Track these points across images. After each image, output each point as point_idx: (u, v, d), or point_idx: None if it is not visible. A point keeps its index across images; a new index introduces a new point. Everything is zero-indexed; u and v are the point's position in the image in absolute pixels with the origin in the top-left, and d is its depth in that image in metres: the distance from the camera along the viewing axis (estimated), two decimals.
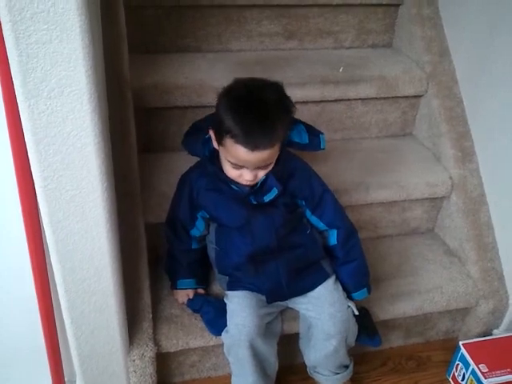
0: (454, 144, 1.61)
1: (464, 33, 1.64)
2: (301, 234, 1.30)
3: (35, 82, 0.85)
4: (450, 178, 1.59)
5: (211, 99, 1.49)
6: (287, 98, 1.14)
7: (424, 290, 1.50)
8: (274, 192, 1.21)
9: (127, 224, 1.29)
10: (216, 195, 1.24)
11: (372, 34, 1.84)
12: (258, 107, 1.08)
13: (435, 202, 1.66)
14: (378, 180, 1.57)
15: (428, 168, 1.64)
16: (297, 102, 1.58)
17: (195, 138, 1.24)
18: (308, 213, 1.30)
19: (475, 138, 1.62)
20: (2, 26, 0.81)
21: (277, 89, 1.12)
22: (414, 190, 1.58)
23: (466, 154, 1.61)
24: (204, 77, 1.56)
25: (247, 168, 1.13)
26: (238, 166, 1.13)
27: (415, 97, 1.71)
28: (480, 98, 1.59)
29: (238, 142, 1.08)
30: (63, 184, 0.96)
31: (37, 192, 0.98)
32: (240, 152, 1.09)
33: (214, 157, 1.19)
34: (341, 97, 1.64)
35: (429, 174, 1.62)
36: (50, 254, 1.06)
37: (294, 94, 1.55)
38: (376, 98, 1.68)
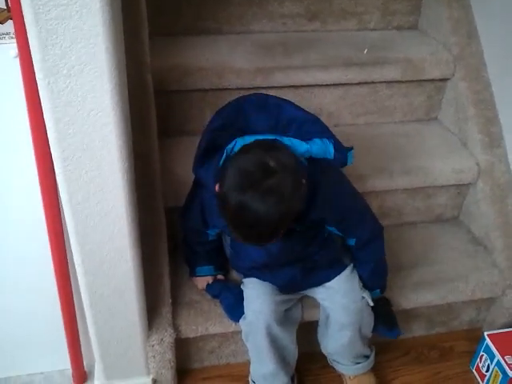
0: (481, 129, 1.56)
1: (493, 13, 1.59)
2: (319, 242, 1.24)
3: (54, 59, 0.83)
4: (477, 164, 1.55)
5: (231, 81, 1.49)
6: (298, 185, 1.01)
7: (448, 278, 1.46)
8: (292, 227, 1.12)
9: (147, 208, 1.27)
10: None
11: (397, 15, 1.78)
12: (262, 206, 0.97)
13: (461, 189, 1.62)
14: (401, 165, 1.53)
15: (454, 153, 1.60)
16: (319, 85, 1.58)
17: (205, 169, 1.12)
18: (326, 225, 1.22)
19: (504, 123, 1.57)
20: (21, 1, 0.79)
21: (285, 181, 0.98)
22: (439, 176, 1.54)
23: (494, 140, 1.56)
24: (225, 59, 1.53)
25: None
26: None
27: (441, 80, 1.66)
28: (509, 81, 1.54)
29: (238, 239, 1.07)
30: (83, 165, 0.94)
31: (56, 173, 0.96)
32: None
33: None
34: (365, 80, 1.59)
35: (455, 159, 1.57)
36: (70, 235, 1.04)
37: (316, 76, 1.55)
38: (401, 81, 1.63)
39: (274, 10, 1.69)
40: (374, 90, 1.65)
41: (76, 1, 0.79)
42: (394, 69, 1.59)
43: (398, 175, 1.51)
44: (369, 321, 1.30)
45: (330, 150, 1.12)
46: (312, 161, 1.12)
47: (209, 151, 1.12)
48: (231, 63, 1.51)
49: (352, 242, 1.26)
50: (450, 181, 1.56)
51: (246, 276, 1.31)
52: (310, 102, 1.57)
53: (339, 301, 1.27)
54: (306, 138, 1.12)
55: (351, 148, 1.16)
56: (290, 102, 1.17)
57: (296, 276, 1.26)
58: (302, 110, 1.15)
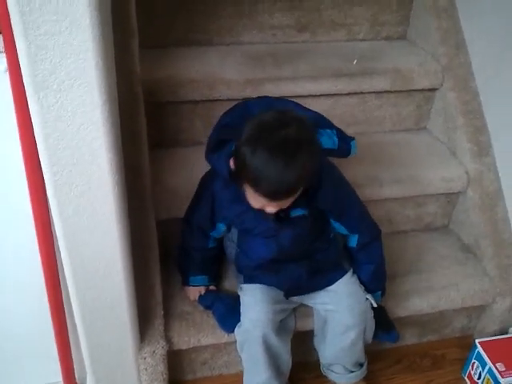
0: (470, 138, 1.58)
1: (481, 24, 1.60)
2: (324, 240, 1.28)
3: (44, 74, 0.83)
4: (466, 172, 1.56)
5: (222, 93, 1.49)
6: (313, 141, 1.05)
7: (439, 286, 1.47)
8: (301, 212, 1.18)
9: (138, 220, 1.27)
10: (242, 207, 1.17)
11: (386, 25, 1.80)
12: (280, 159, 0.99)
13: (451, 198, 1.63)
14: (391, 175, 1.54)
15: (443, 162, 1.61)
16: (309, 96, 1.59)
17: (218, 155, 1.13)
18: (332, 220, 1.26)
19: (492, 132, 1.59)
20: (11, 16, 0.80)
21: (301, 132, 1.02)
22: (429, 185, 1.55)
23: (483, 149, 1.57)
24: (215, 70, 1.54)
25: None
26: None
27: (430, 90, 1.68)
28: (497, 91, 1.55)
29: (257, 191, 1.04)
30: (73, 179, 0.94)
31: (46, 187, 0.96)
32: (259, 199, 1.06)
33: (238, 175, 1.10)
34: (354, 90, 1.60)
35: (444, 168, 1.58)
36: (60, 249, 1.04)
37: (306, 87, 1.56)
38: (390, 92, 1.65)
39: (264, 21, 1.71)
40: (364, 101, 1.66)
41: (66, 17, 0.80)
42: (384, 79, 1.61)
43: (388, 184, 1.52)
44: (371, 325, 1.31)
45: (334, 140, 1.15)
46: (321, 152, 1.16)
47: (219, 144, 1.14)
48: (222, 74, 1.51)
49: (354, 242, 1.28)
50: (439, 189, 1.57)
51: (248, 280, 1.31)
52: None
53: (344, 303, 1.27)
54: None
55: (353, 138, 1.19)
56: (295, 102, 1.21)
57: (302, 276, 1.27)
58: (308, 109, 1.19)
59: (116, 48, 1.18)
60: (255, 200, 1.08)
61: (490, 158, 1.57)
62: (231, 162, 1.08)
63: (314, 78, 1.57)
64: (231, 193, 1.18)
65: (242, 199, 1.13)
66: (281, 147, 1.00)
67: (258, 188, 1.03)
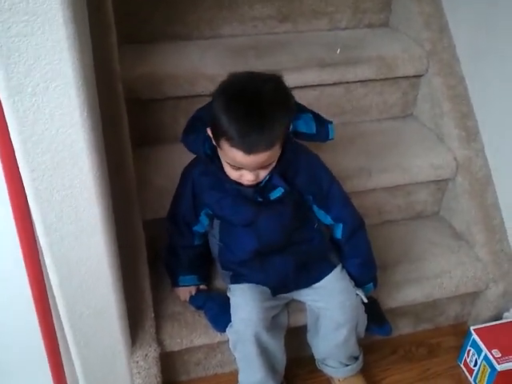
0: (457, 123, 1.56)
1: (463, 7, 1.59)
2: (308, 229, 1.26)
3: (18, 77, 0.80)
4: (455, 158, 1.55)
5: (205, 88, 1.46)
6: (287, 93, 1.06)
7: (432, 275, 1.46)
8: (280, 191, 1.16)
9: (124, 221, 1.24)
10: (220, 194, 1.18)
11: (368, 13, 1.78)
12: (255, 107, 1.00)
13: (440, 185, 1.62)
14: (380, 164, 1.53)
15: (431, 149, 1.60)
16: (294, 88, 1.55)
17: (195, 135, 1.15)
18: (315, 207, 1.25)
19: (479, 117, 1.58)
20: None
21: (276, 84, 1.04)
22: (418, 172, 1.54)
23: (470, 134, 1.56)
24: (197, 65, 1.52)
25: (247, 169, 1.07)
26: (236, 168, 1.07)
27: (416, 76, 1.66)
28: (482, 74, 1.54)
29: (233, 145, 1.02)
30: (54, 184, 0.91)
31: (27, 194, 0.93)
32: (236, 155, 1.03)
33: (215, 155, 1.12)
34: (339, 80, 1.58)
35: (432, 155, 1.57)
36: (45, 257, 1.01)
37: (290, 78, 1.51)
38: (375, 80, 1.63)
39: (245, 12, 1.68)
40: (349, 90, 1.64)
41: (37, 16, 0.76)
42: (368, 67, 1.59)
43: (376, 174, 1.51)
44: (363, 319, 1.30)
45: (311, 125, 1.15)
46: (298, 136, 1.16)
47: (196, 127, 1.14)
48: (203, 69, 1.49)
49: (339, 232, 1.26)
50: (428, 177, 1.56)
51: (234, 280, 1.29)
52: None
53: (335, 299, 1.26)
54: None
55: (331, 121, 1.19)
56: None
57: (288, 272, 1.25)
58: None
59: (94, 45, 1.15)
60: (232, 159, 1.05)
61: (478, 143, 1.56)
62: (209, 131, 1.08)
63: (297, 69, 1.54)
64: (210, 179, 1.18)
65: (220, 185, 1.14)
66: (256, 98, 1.00)
67: (234, 138, 1.01)
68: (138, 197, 1.31)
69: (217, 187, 1.17)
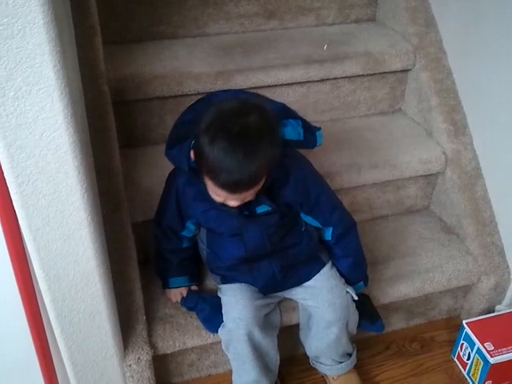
0: (445, 117, 1.56)
1: (450, 0, 1.58)
2: (296, 234, 1.24)
3: (0, 81, 0.78)
4: (444, 153, 1.55)
5: (192, 87, 1.45)
6: (272, 126, 1.02)
7: (423, 269, 1.46)
8: (265, 208, 1.14)
9: (113, 224, 1.23)
10: (205, 205, 1.15)
11: (355, 8, 1.77)
12: (239, 148, 0.96)
13: (430, 179, 1.62)
14: (369, 160, 1.52)
15: (420, 144, 1.59)
16: (281, 85, 1.56)
17: (177, 148, 1.10)
18: (302, 214, 1.23)
19: (466, 111, 1.57)
20: None
21: (260, 118, 0.99)
22: (407, 167, 1.54)
23: (459, 128, 1.56)
24: (183, 64, 1.50)
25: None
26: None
27: (403, 71, 1.66)
28: (469, 68, 1.54)
29: (217, 185, 1.01)
30: (40, 189, 0.90)
31: (12, 199, 0.91)
32: (220, 193, 1.03)
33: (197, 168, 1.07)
34: (326, 76, 1.57)
35: (421, 150, 1.57)
36: (33, 262, 1.00)
37: (277, 76, 1.53)
38: (363, 75, 1.62)
39: (231, 10, 1.66)
40: (337, 86, 1.63)
41: (17, 19, 0.75)
42: (355, 63, 1.58)
43: (366, 170, 1.50)
44: (354, 316, 1.29)
45: (299, 131, 1.12)
46: (285, 144, 1.11)
47: (179, 139, 1.10)
48: (189, 68, 1.47)
49: (328, 235, 1.25)
50: (418, 172, 1.56)
51: (224, 280, 1.28)
52: None
53: (324, 298, 1.25)
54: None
55: (319, 128, 1.15)
56: (258, 94, 1.19)
57: (275, 275, 1.24)
58: (270, 100, 1.15)
59: (78, 47, 1.14)
60: (216, 193, 1.05)
61: (466, 136, 1.56)
62: (192, 154, 1.05)
63: (284, 66, 1.53)
64: (194, 190, 1.15)
65: (205, 196, 1.10)
66: (240, 136, 0.97)
67: (217, 180, 1.00)
68: (126, 199, 1.30)
69: (202, 198, 1.13)
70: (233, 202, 1.06)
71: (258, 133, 0.98)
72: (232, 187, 1.01)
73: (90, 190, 0.97)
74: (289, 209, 1.19)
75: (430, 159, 1.55)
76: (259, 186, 1.05)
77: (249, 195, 1.06)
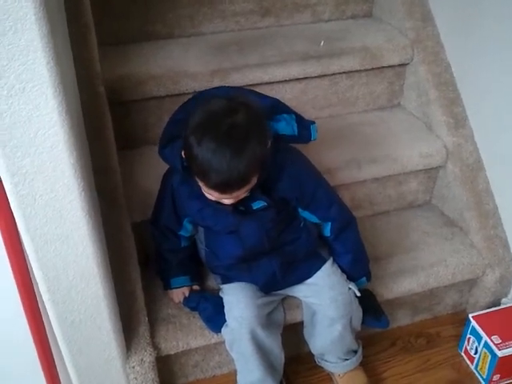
0: (445, 111, 1.55)
1: None
2: (294, 229, 1.22)
3: None
4: (444, 146, 1.54)
5: (188, 86, 1.45)
6: (260, 122, 1.01)
7: (427, 264, 1.45)
8: (261, 203, 1.12)
9: (112, 224, 1.22)
10: (201, 203, 1.14)
11: (351, 4, 1.77)
12: (228, 148, 0.95)
13: (431, 173, 1.60)
14: (369, 155, 1.51)
15: (420, 138, 1.58)
16: (279, 82, 1.55)
17: (170, 147, 1.10)
18: (300, 209, 1.21)
19: (466, 103, 1.56)
20: None
21: (247, 116, 0.98)
22: (408, 162, 1.53)
23: (459, 120, 1.55)
24: (179, 63, 1.49)
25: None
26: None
27: (401, 65, 1.65)
28: (467, 60, 1.53)
29: (208, 186, 1.01)
30: (36, 188, 0.89)
31: (9, 199, 0.90)
32: (212, 193, 1.02)
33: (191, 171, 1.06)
34: (324, 72, 1.57)
35: (422, 144, 1.56)
36: (31, 263, 0.99)
37: (274, 73, 1.52)
38: (360, 71, 1.61)
39: (226, 8, 1.66)
40: (334, 82, 1.62)
41: (8, 15, 0.74)
42: (352, 58, 1.57)
43: (366, 165, 1.49)
44: (358, 313, 1.28)
45: (293, 125, 1.11)
46: (279, 139, 1.10)
47: (173, 138, 1.09)
48: (185, 67, 1.47)
49: (327, 230, 1.24)
50: (418, 166, 1.55)
51: (224, 279, 1.27)
52: None
53: (326, 295, 1.24)
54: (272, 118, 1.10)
55: (313, 122, 1.14)
56: (251, 91, 1.17)
57: (275, 272, 1.23)
58: (264, 96, 1.14)
59: (73, 46, 1.13)
60: (208, 192, 1.04)
61: (466, 129, 1.55)
62: (183, 154, 1.04)
63: (281, 63, 1.53)
64: (189, 188, 1.14)
65: (199, 194, 1.09)
66: (228, 135, 0.96)
67: (208, 181, 0.99)
68: (125, 199, 1.29)
69: (197, 196, 1.12)
70: (226, 200, 1.05)
71: (245, 131, 0.97)
72: (222, 187, 1.00)
73: (88, 188, 0.96)
74: (285, 204, 1.17)
75: (431, 153, 1.54)
76: (251, 185, 1.04)
77: (241, 194, 1.04)
